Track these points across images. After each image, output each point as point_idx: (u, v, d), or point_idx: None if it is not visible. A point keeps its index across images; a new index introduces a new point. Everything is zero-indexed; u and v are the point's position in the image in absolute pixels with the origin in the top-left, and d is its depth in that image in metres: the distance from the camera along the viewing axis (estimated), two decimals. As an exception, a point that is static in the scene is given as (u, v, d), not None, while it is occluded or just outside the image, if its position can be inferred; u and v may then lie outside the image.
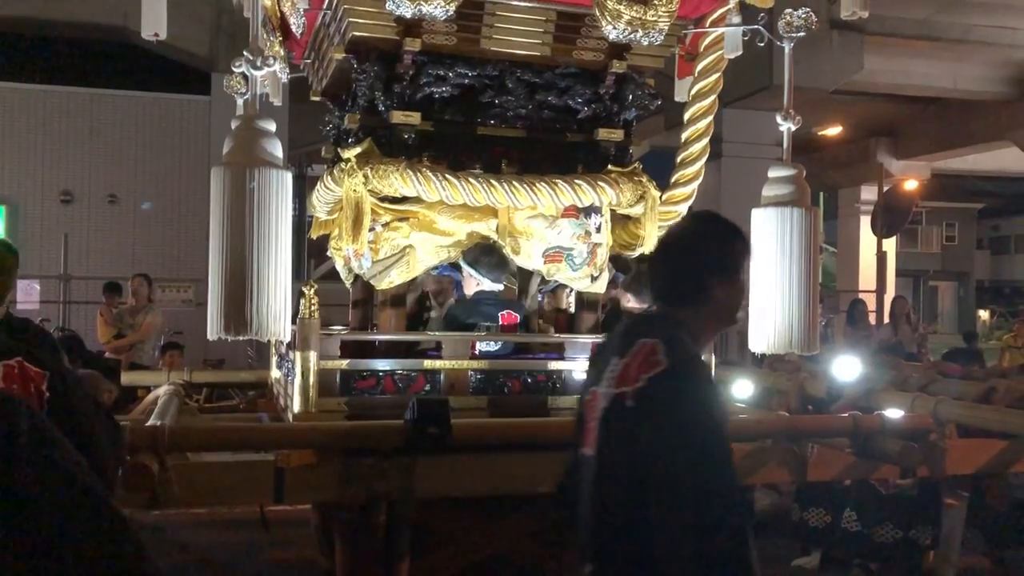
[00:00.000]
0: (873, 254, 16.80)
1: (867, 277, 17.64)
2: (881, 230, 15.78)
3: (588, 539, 1.94)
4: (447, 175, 3.61)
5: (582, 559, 1.96)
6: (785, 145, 3.66)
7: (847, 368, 5.31)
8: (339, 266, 4.21)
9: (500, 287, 3.90)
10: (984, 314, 35.34)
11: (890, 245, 17.35)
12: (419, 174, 3.58)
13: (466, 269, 3.91)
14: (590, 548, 1.93)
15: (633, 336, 1.91)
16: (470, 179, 3.64)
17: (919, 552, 4.77)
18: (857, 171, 18.36)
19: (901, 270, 21.89)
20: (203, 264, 3.04)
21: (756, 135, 12.45)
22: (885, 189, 16.09)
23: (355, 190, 3.59)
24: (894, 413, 4.12)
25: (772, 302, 3.55)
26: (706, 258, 1.97)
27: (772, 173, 3.66)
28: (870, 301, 14.35)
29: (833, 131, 17.00)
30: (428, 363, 3.59)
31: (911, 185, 16.59)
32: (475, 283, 3.90)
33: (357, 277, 4.02)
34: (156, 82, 13.33)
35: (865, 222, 17.72)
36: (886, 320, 14.73)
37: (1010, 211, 37.07)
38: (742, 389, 5.02)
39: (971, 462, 4.11)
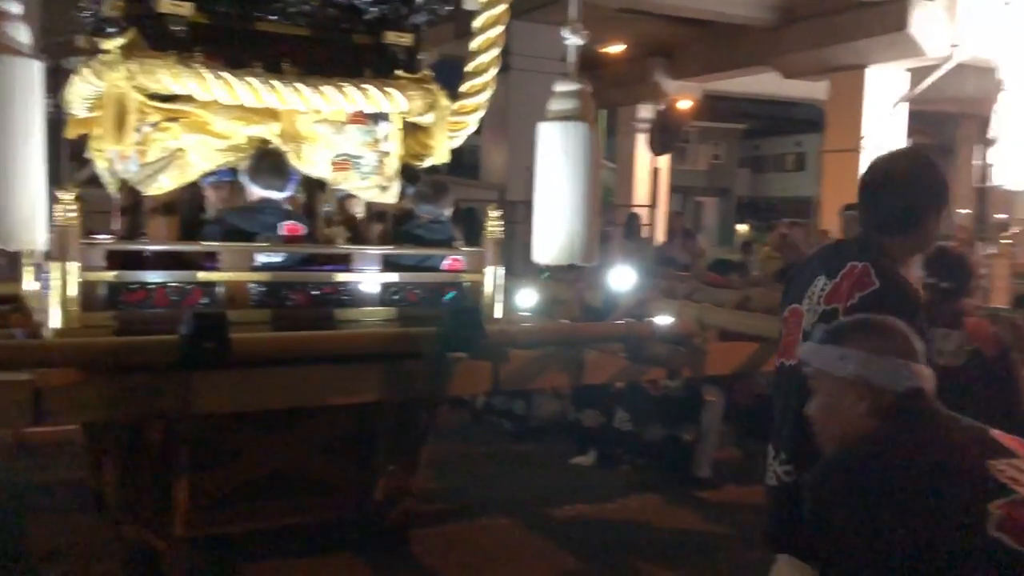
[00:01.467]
0: (648, 170, 17.68)
1: (642, 192, 18.58)
2: (656, 148, 16.61)
3: (789, 442, 2.11)
4: (223, 73, 3.37)
5: (786, 460, 2.12)
6: (571, 60, 3.70)
7: (623, 279, 5.62)
8: (102, 169, 3.86)
9: (283, 195, 3.73)
10: (743, 228, 38.47)
11: (663, 162, 18.33)
12: (191, 71, 3.32)
13: (244, 179, 3.71)
14: (791, 449, 2.10)
15: (840, 259, 2.11)
16: (249, 78, 3.42)
17: (683, 447, 5.20)
18: (636, 90, 19.03)
19: (673, 186, 23.19)
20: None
21: (544, 49, 12.57)
22: (660, 108, 16.86)
23: (118, 86, 3.28)
24: (664, 320, 4.41)
25: (555, 214, 3.64)
26: (924, 191, 2.14)
27: (557, 87, 3.70)
28: (645, 215, 15.16)
29: (615, 49, 17.50)
30: (204, 275, 3.40)
31: (684, 105, 17.48)
32: (256, 193, 3.71)
33: (123, 182, 3.71)
34: None
35: (642, 139, 18.54)
36: (659, 233, 15.65)
37: (769, 133, 40.18)
38: (526, 299, 5.18)
39: (728, 363, 4.50)
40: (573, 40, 3.63)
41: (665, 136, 16.64)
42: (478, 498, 4.92)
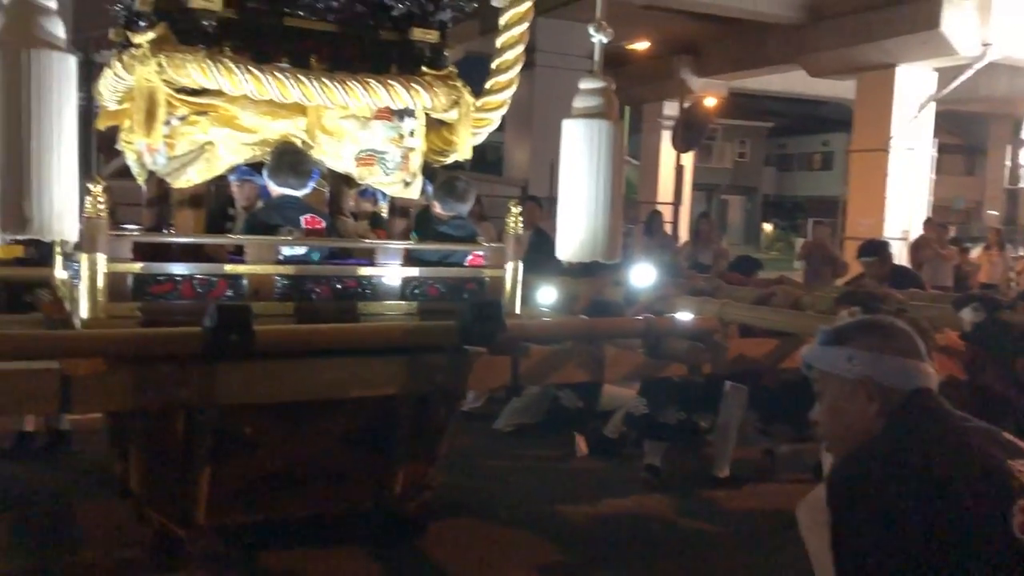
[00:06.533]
0: (672, 168, 17.63)
1: (666, 189, 18.53)
2: (680, 145, 16.56)
3: None
4: (251, 68, 3.41)
5: None
6: (596, 57, 3.72)
7: (643, 275, 5.61)
8: (131, 161, 3.92)
9: (302, 192, 3.77)
10: (768, 227, 38.22)
11: (688, 159, 18.27)
12: (220, 65, 3.36)
13: (264, 176, 3.76)
14: None
15: None
16: (277, 73, 3.46)
17: (698, 433, 5.18)
18: (661, 87, 19.00)
19: (696, 184, 23.11)
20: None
21: (568, 46, 12.58)
22: (686, 105, 16.81)
23: (148, 79, 3.33)
24: (683, 316, 4.40)
25: (579, 212, 3.66)
26: None
27: (583, 85, 3.72)
28: (667, 212, 15.13)
29: (640, 46, 17.45)
30: (230, 268, 3.45)
31: (709, 102, 17.41)
32: (275, 190, 3.76)
33: (152, 174, 3.77)
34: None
35: (666, 137, 18.49)
36: (682, 231, 15.59)
37: (795, 131, 39.86)
38: (546, 295, 5.18)
39: (749, 359, 4.47)
40: (599, 37, 3.65)
41: (690, 133, 16.57)
42: (497, 492, 4.95)
